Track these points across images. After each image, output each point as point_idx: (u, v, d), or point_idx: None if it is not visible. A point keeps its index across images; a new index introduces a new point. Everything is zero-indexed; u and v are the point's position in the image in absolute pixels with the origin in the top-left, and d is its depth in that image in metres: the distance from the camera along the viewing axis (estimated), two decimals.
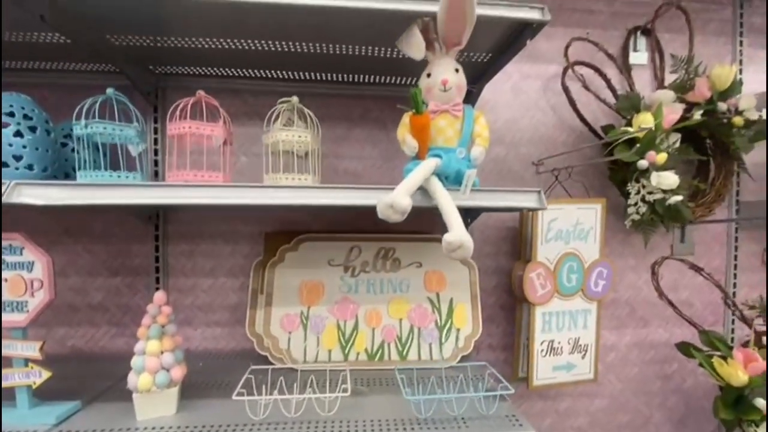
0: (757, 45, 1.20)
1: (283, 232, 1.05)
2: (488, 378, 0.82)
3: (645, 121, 0.92)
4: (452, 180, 0.67)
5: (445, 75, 0.68)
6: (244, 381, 0.76)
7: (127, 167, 0.71)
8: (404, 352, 0.97)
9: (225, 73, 1.02)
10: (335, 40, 0.82)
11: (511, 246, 1.13)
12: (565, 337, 0.99)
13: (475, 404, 0.74)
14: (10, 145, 0.67)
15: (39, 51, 0.90)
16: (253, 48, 0.86)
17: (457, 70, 0.70)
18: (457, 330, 0.99)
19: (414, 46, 0.68)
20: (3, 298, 0.70)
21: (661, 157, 0.92)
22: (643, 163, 0.92)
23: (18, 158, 0.68)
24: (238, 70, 1.01)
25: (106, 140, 0.68)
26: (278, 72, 1.02)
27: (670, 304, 0.99)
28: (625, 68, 1.13)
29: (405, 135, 0.70)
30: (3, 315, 0.70)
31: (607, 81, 1.09)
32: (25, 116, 0.69)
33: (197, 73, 1.02)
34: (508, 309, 1.12)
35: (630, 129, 0.94)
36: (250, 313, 0.98)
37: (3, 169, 0.67)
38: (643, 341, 1.19)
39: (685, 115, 0.97)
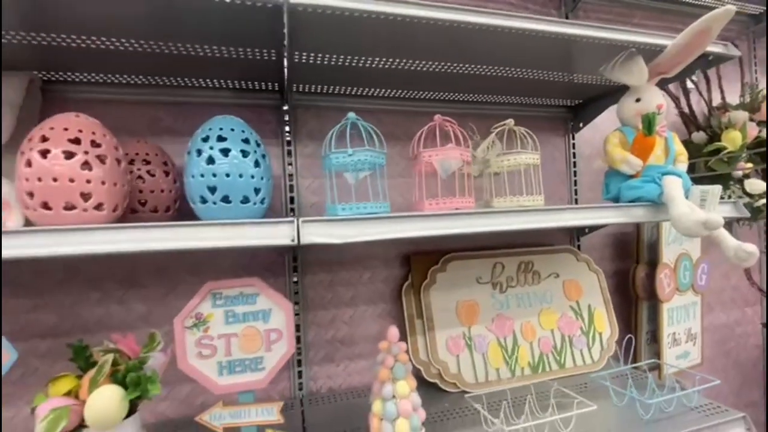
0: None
1: (425, 252, 1.03)
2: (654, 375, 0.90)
3: (734, 137, 1.09)
4: None
5: (660, 100, 0.75)
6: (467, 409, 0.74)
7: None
8: (562, 361, 1.00)
9: (356, 92, 0.98)
10: (497, 63, 0.84)
11: (612, 250, 1.23)
12: (682, 328, 1.12)
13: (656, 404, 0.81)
14: (252, 176, 0.58)
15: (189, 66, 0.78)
16: (419, 68, 0.84)
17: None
18: (599, 334, 1.05)
19: (635, 74, 0.74)
20: (235, 357, 0.59)
21: (748, 167, 1.09)
22: (738, 173, 1.08)
23: (257, 191, 0.59)
24: (370, 89, 0.97)
25: (355, 168, 0.62)
26: (407, 91, 1.00)
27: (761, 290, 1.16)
28: (684, 93, 1.32)
29: (626, 154, 0.75)
30: (237, 377, 0.59)
31: (677, 103, 1.26)
32: (258, 143, 0.60)
33: (325, 91, 0.96)
34: (618, 308, 1.21)
35: (725, 144, 1.10)
36: (411, 340, 0.94)
37: (241, 206, 0.57)
38: (711, 325, 1.37)
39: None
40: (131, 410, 0.54)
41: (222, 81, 0.87)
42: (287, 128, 0.93)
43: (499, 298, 1.02)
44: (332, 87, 0.94)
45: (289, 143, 0.94)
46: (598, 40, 0.71)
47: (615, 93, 1.04)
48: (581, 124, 1.16)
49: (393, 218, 0.57)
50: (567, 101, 1.16)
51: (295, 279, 0.94)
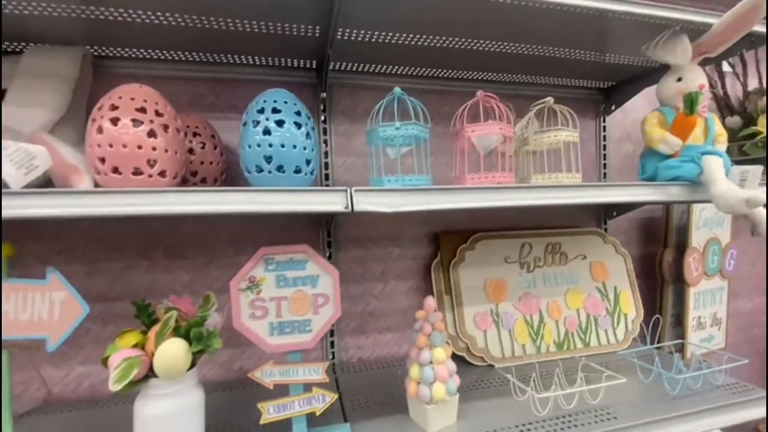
0: None
1: (454, 231, 1.05)
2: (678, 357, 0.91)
3: None
4: None
5: (703, 80, 0.75)
6: (495, 381, 0.77)
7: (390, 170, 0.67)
8: (587, 340, 1.02)
9: (389, 71, 0.99)
10: (538, 41, 0.85)
11: (638, 235, 1.24)
12: (708, 312, 1.12)
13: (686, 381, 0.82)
14: (304, 148, 0.60)
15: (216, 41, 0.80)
16: (455, 46, 0.85)
17: None
18: (624, 315, 1.07)
19: (679, 53, 0.73)
20: (284, 318, 0.63)
21: None
22: None
23: (308, 162, 0.61)
24: (403, 68, 0.98)
25: (401, 142, 0.64)
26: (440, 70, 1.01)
27: None
28: (719, 76, 1.29)
29: (665, 134, 0.75)
30: (286, 338, 0.63)
31: (712, 86, 1.24)
32: (308, 116, 0.62)
33: (359, 69, 0.97)
34: (643, 291, 1.22)
35: (760, 129, 1.08)
36: None
37: (294, 176, 0.60)
38: (735, 311, 1.37)
39: None
40: (192, 364, 0.59)
41: (261, 58, 0.89)
42: (323, 106, 0.95)
43: (526, 277, 1.04)
44: (367, 65, 0.96)
45: (324, 121, 0.96)
46: (641, 17, 0.70)
47: (649, 75, 1.03)
48: (613, 107, 1.16)
49: (438, 190, 0.59)
50: (599, 83, 1.15)
51: (328, 254, 0.97)
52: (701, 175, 0.71)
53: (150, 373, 0.56)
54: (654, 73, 1.01)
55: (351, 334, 1.01)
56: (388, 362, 1.01)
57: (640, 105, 1.23)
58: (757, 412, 0.78)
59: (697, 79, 0.75)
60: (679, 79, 0.76)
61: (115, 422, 0.74)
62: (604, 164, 1.19)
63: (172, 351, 0.53)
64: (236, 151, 0.91)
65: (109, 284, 0.87)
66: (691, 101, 0.70)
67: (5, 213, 0.44)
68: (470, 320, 0.96)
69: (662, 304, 1.15)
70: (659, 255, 1.14)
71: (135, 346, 0.58)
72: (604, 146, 1.18)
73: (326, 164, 0.97)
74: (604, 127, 1.19)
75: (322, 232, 0.97)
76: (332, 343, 0.99)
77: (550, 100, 0.76)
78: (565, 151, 0.74)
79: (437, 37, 0.80)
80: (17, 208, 0.45)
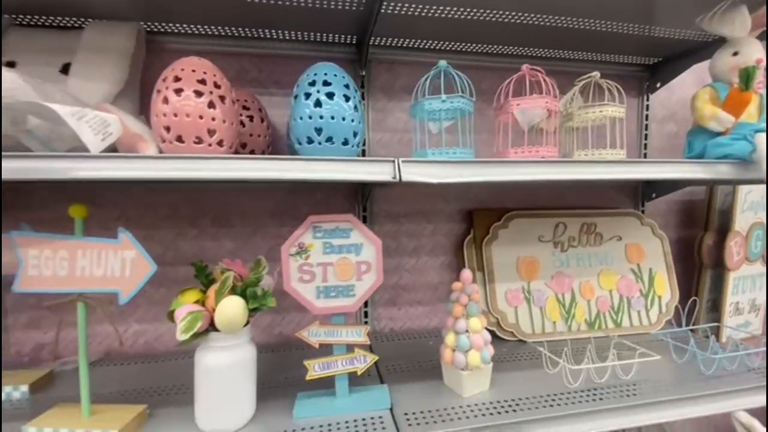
0: None
1: (488, 209, 1.06)
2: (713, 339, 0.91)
3: None
4: None
5: (761, 54, 0.71)
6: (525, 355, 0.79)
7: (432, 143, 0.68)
8: (618, 320, 1.03)
9: (427, 46, 0.98)
10: (581, 14, 0.82)
11: (677, 217, 1.21)
12: (746, 298, 1.10)
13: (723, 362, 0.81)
14: (352, 120, 0.62)
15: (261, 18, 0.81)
16: (499, 19, 0.83)
17: None
18: (658, 297, 1.06)
19: (737, 25, 0.70)
20: (330, 283, 0.66)
21: None
22: None
23: (356, 134, 0.63)
24: (442, 43, 0.97)
25: (446, 115, 0.65)
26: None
27: None
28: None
29: (716, 110, 0.73)
30: (331, 301, 0.67)
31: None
32: (355, 90, 0.64)
33: (398, 45, 0.98)
34: (679, 276, 1.20)
35: None
36: None
37: (342, 147, 0.62)
38: None
39: None
40: (246, 321, 0.63)
41: (303, 34, 0.91)
42: (361, 82, 0.97)
43: (559, 256, 1.04)
44: (406, 41, 0.96)
45: (362, 97, 0.97)
46: None
47: (700, 50, 0.99)
48: (658, 84, 1.12)
49: (483, 162, 0.60)
50: (645, 59, 1.11)
51: None
52: (754, 153, 0.69)
53: (210, 327, 0.61)
54: (705, 48, 0.96)
55: (384, 306, 1.05)
56: (419, 334, 1.04)
57: (687, 82, 1.18)
58: None
59: (754, 53, 0.72)
60: (736, 53, 0.73)
61: (172, 373, 0.81)
62: (645, 144, 1.15)
63: (233, 307, 0.58)
64: (278, 125, 0.94)
65: (162, 250, 0.93)
66: (747, 76, 0.68)
67: (92, 174, 0.48)
68: (501, 296, 0.98)
69: (699, 288, 1.13)
70: (699, 238, 1.12)
71: (195, 303, 0.63)
72: (646, 126, 1.15)
73: (363, 141, 0.99)
74: (647, 105, 1.15)
75: (358, 207, 1.00)
76: (366, 313, 1.03)
77: (596, 74, 0.75)
78: (611, 127, 0.73)
79: (481, 10, 0.80)
80: (101, 170, 0.49)
